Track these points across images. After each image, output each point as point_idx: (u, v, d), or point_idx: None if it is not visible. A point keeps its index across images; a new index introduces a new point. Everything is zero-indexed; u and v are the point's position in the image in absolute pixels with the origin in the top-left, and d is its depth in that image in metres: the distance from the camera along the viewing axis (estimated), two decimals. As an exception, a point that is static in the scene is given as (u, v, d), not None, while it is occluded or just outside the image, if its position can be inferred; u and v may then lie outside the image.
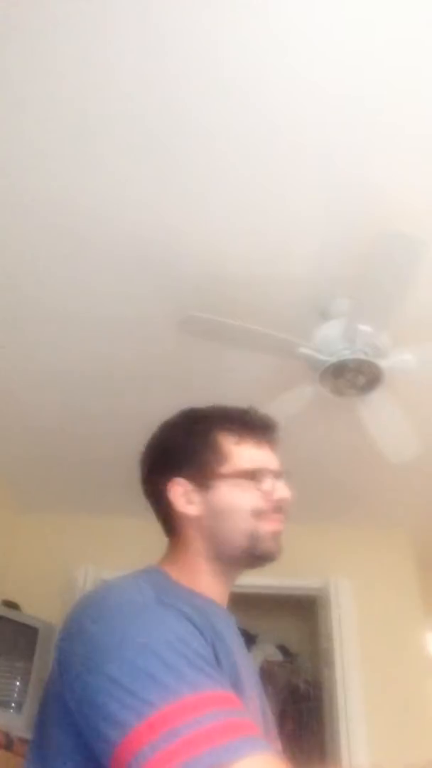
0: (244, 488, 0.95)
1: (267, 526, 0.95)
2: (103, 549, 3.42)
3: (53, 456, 3.23)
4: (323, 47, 1.53)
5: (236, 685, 0.76)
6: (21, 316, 2.37)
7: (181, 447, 1.01)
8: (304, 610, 3.84)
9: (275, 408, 2.33)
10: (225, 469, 0.96)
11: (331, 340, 2.06)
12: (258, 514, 0.94)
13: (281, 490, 0.98)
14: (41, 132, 1.73)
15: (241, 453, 0.98)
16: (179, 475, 0.98)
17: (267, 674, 4.06)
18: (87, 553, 3.41)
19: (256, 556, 0.95)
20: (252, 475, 0.96)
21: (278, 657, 4.19)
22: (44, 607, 3.10)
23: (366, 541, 3.57)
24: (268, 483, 0.97)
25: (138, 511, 3.98)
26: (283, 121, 1.69)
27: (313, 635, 3.66)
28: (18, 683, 2.79)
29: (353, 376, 2.11)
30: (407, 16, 1.46)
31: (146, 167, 1.81)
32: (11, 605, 3.02)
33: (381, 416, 2.29)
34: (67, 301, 2.29)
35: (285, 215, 1.95)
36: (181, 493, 0.97)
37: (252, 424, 1.01)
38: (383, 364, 2.06)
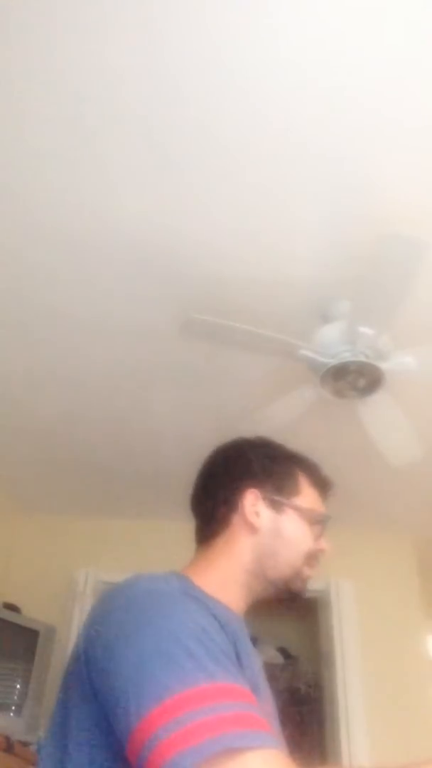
0: (303, 527, 1.02)
1: (308, 570, 1.01)
2: (103, 552, 3.42)
3: (54, 458, 3.23)
4: (324, 47, 1.53)
5: (254, 689, 0.77)
6: (23, 319, 2.37)
7: (264, 464, 1.05)
8: (305, 613, 3.83)
9: (275, 410, 2.34)
10: (299, 501, 1.02)
11: (331, 342, 2.06)
12: (308, 555, 1.01)
13: (326, 542, 1.05)
14: (42, 134, 1.73)
15: (312, 496, 1.05)
16: (258, 487, 1.02)
17: (267, 676, 4.06)
18: (87, 556, 3.41)
19: (288, 590, 1.00)
20: (319, 519, 1.03)
21: (279, 659, 4.18)
22: (45, 609, 3.10)
23: (367, 543, 3.56)
24: (320, 531, 1.04)
25: (138, 514, 3.99)
26: (284, 123, 1.69)
27: (314, 637, 3.65)
28: (18, 686, 2.79)
29: (354, 378, 2.11)
30: (408, 14, 1.46)
31: (148, 170, 1.81)
32: (12, 608, 3.02)
33: (382, 418, 2.29)
34: (69, 303, 2.29)
35: (286, 217, 1.95)
36: (252, 503, 1.01)
37: (322, 478, 1.10)
38: (384, 366, 2.06)
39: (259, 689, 0.82)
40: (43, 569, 3.39)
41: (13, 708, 2.74)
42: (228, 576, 0.97)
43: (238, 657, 0.78)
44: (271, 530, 1.00)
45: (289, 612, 4.09)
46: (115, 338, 2.45)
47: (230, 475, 1.05)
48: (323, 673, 3.41)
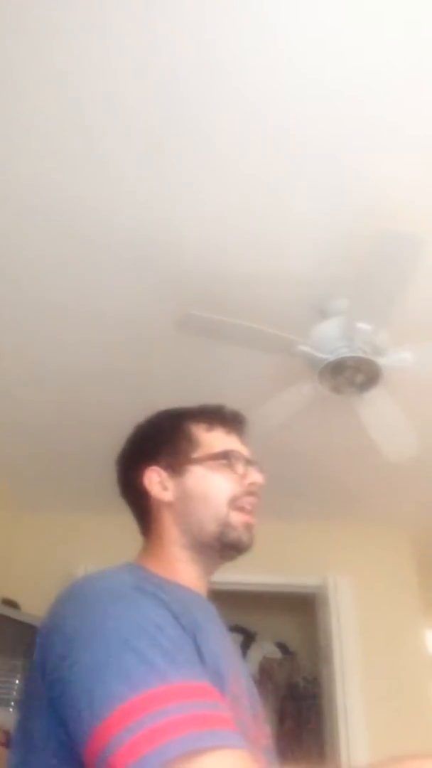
0: (217, 471, 0.97)
1: (239, 517, 0.96)
2: (102, 547, 3.41)
3: (53, 454, 3.23)
4: (323, 44, 1.53)
5: (217, 677, 0.75)
6: (19, 314, 2.37)
7: (154, 438, 1.04)
8: (304, 608, 3.84)
9: (274, 406, 2.34)
10: (197, 454, 0.99)
11: (329, 338, 2.06)
12: (232, 500, 0.96)
13: (253, 474, 1.00)
14: (41, 130, 1.73)
15: (212, 439, 1.00)
16: (154, 464, 1.00)
17: (266, 672, 4.07)
18: (87, 552, 3.41)
19: (225, 544, 0.95)
20: (224, 456, 0.98)
21: (277, 655, 4.20)
22: (44, 605, 3.05)
23: (365, 538, 3.57)
24: (240, 467, 0.99)
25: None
26: (283, 121, 1.69)
27: (312, 633, 3.66)
28: (17, 681, 2.80)
29: (352, 374, 2.11)
30: (408, 12, 1.46)
31: (146, 165, 1.81)
32: (11, 603, 3.02)
33: (379, 414, 2.29)
34: (67, 299, 2.29)
35: (284, 213, 1.95)
36: (156, 481, 0.99)
37: (222, 415, 1.04)
38: (382, 362, 2.07)
39: (223, 675, 0.78)
40: (42, 565, 3.39)
41: (13, 703, 2.74)
42: (171, 557, 0.96)
43: (197, 646, 0.76)
44: (182, 496, 0.97)
45: (283, 606, 4.09)
46: (113, 334, 2.45)
47: (129, 467, 1.04)
48: (321, 668, 3.42)
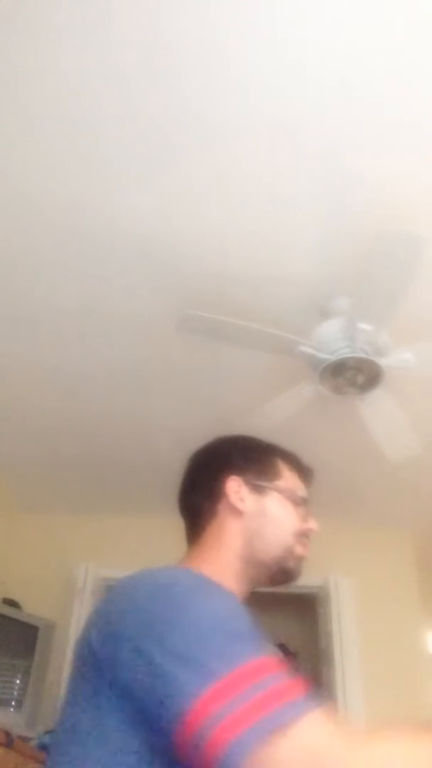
0: (288, 507, 1.05)
1: (300, 549, 1.03)
2: (102, 547, 3.42)
3: (53, 455, 3.23)
4: (325, 43, 1.53)
5: None
6: (22, 315, 2.37)
7: (244, 453, 1.10)
8: (304, 609, 3.84)
9: (274, 406, 2.34)
10: (280, 484, 1.06)
11: (330, 339, 2.06)
12: (297, 534, 1.03)
13: (313, 522, 1.08)
14: (43, 131, 1.73)
15: (293, 479, 1.08)
16: (239, 474, 1.05)
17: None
18: (87, 552, 3.41)
19: (282, 570, 1.02)
20: (300, 500, 1.06)
21: (278, 655, 4.19)
22: (44, 605, 3.10)
23: (366, 539, 3.57)
24: (305, 511, 1.07)
25: (137, 510, 3.98)
26: (284, 120, 1.69)
27: (313, 634, 3.66)
28: (18, 681, 2.80)
29: (353, 375, 2.11)
30: (409, 7, 1.46)
31: (148, 166, 1.81)
32: (11, 603, 3.02)
33: (380, 415, 2.29)
34: (68, 299, 2.29)
35: (285, 213, 1.95)
36: (236, 489, 1.04)
37: (301, 463, 1.13)
38: (383, 362, 2.06)
39: None
40: (42, 565, 3.39)
41: (13, 703, 2.75)
42: (224, 566, 0.98)
43: None
44: (256, 512, 1.02)
45: (284, 607, 4.10)
46: (114, 334, 2.45)
47: (211, 469, 1.08)
48: (322, 669, 3.42)
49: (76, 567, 3.36)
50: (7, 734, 2.15)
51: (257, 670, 0.68)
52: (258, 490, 1.04)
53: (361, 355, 2.04)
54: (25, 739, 2.41)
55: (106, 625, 0.79)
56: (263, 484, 1.05)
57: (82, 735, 0.75)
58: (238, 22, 1.49)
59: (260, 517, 1.02)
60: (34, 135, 1.74)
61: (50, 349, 2.54)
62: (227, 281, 2.16)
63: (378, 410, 2.27)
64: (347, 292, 2.06)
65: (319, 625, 3.50)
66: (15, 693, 2.77)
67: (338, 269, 2.09)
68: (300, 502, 1.06)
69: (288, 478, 1.08)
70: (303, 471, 1.12)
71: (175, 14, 1.47)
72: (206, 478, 1.08)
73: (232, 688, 0.65)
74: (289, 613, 4.17)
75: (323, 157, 1.78)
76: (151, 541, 3.36)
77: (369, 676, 3.14)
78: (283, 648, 4.25)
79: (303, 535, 1.04)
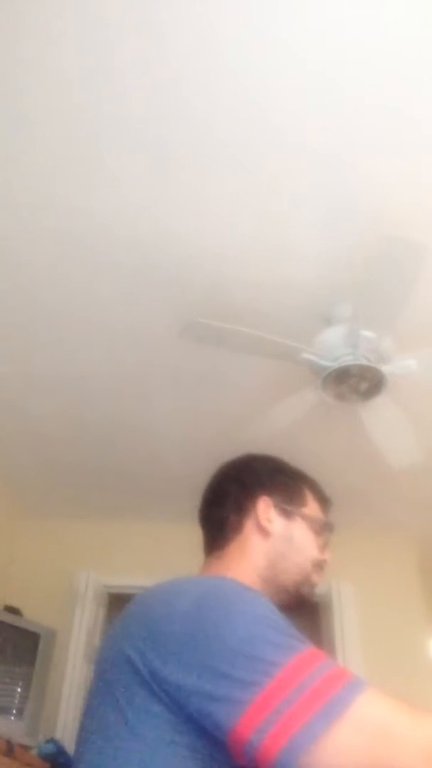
0: (311, 535, 1.08)
1: (316, 578, 1.07)
2: (104, 554, 3.41)
3: (55, 462, 3.22)
4: (326, 48, 1.53)
5: None
6: (23, 322, 2.37)
7: (274, 475, 1.12)
8: (307, 616, 3.82)
9: (277, 413, 2.33)
10: (306, 511, 1.09)
11: (333, 346, 2.06)
12: (315, 563, 1.07)
13: (328, 553, 1.12)
14: (43, 137, 1.73)
15: (316, 509, 1.12)
16: (268, 495, 1.08)
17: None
18: (88, 559, 3.40)
19: (299, 592, 1.05)
20: (325, 528, 1.11)
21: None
22: (45, 612, 3.09)
23: (368, 545, 3.55)
24: (324, 542, 1.11)
25: (139, 517, 3.96)
26: (286, 126, 1.69)
27: (316, 640, 3.64)
28: (19, 689, 2.78)
29: (356, 382, 2.11)
30: (410, 9, 1.46)
31: (149, 172, 1.81)
32: (13, 610, 3.01)
33: (383, 421, 2.29)
34: (70, 306, 2.29)
35: (288, 220, 1.95)
36: (265, 509, 1.06)
37: (323, 493, 1.16)
38: (386, 369, 2.06)
39: None
40: (44, 572, 3.38)
41: (14, 711, 2.73)
42: (248, 580, 0.98)
43: None
44: (282, 536, 1.05)
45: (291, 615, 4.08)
46: (116, 341, 2.45)
47: (242, 485, 1.10)
48: (324, 676, 3.40)
49: (77, 574, 3.36)
50: (8, 742, 2.14)
51: (311, 660, 0.72)
52: (285, 514, 1.07)
53: (364, 362, 2.03)
54: (25, 747, 2.40)
55: (148, 636, 0.78)
56: (291, 509, 1.07)
57: (120, 739, 0.75)
58: (238, 23, 1.48)
59: (286, 541, 1.05)
60: (32, 143, 1.74)
61: (53, 357, 2.54)
62: (230, 289, 2.16)
63: (381, 417, 2.27)
64: (350, 299, 2.06)
65: (321, 632, 3.48)
66: (16, 701, 2.75)
67: (341, 276, 2.09)
68: (321, 532, 1.10)
69: (312, 507, 1.11)
70: (325, 501, 1.16)
71: (175, 18, 1.47)
72: (235, 494, 1.09)
73: (288, 681, 0.68)
74: (290, 619, 4.15)
75: (327, 163, 1.78)
76: (152, 547, 3.36)
77: (372, 682, 3.11)
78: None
79: (319, 565, 1.08)
